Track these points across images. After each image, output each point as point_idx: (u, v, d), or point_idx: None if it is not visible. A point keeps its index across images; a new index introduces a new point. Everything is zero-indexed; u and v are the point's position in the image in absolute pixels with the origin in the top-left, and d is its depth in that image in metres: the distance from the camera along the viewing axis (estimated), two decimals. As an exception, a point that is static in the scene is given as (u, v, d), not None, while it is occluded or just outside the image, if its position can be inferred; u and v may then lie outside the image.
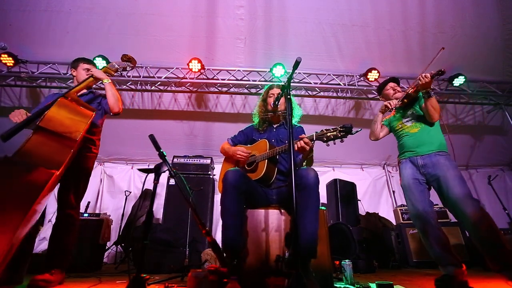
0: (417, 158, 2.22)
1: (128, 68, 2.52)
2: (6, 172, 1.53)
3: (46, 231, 4.11)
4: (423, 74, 2.10)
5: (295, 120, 2.22)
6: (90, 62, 2.45)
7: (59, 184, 2.10)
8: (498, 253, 1.81)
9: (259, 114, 2.25)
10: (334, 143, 1.65)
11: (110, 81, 2.28)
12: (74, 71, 2.41)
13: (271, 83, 2.54)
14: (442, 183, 2.04)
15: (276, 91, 2.22)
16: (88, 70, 2.35)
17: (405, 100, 2.35)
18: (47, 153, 1.71)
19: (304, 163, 1.98)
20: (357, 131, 1.63)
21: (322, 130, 1.70)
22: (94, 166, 2.41)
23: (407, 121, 2.38)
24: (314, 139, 1.72)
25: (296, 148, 1.71)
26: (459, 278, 1.87)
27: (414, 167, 2.23)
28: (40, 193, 1.50)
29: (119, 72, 2.51)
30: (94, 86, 2.42)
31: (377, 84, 4.34)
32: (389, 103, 2.37)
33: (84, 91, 2.37)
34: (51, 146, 1.75)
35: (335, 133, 1.63)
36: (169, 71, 4.22)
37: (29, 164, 1.59)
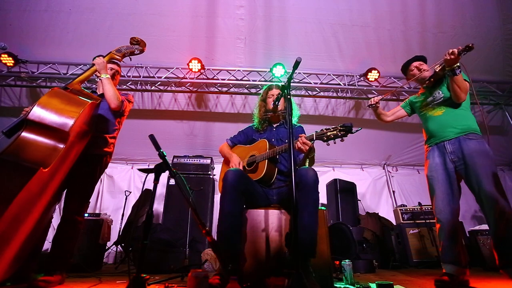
0: (445, 143, 2.04)
1: (136, 52, 2.32)
2: None
3: (46, 231, 4.11)
4: (450, 51, 1.91)
5: (294, 120, 2.22)
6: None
7: (67, 186, 2.05)
8: (508, 248, 1.77)
9: (258, 114, 2.25)
10: (335, 143, 1.65)
11: (108, 76, 2.16)
12: None
13: (270, 83, 2.54)
14: (471, 174, 1.90)
15: (275, 91, 2.22)
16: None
17: (431, 79, 2.18)
18: (35, 148, 1.59)
19: (307, 163, 1.98)
20: (357, 130, 1.63)
21: (322, 130, 1.70)
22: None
23: (431, 102, 2.20)
24: (314, 138, 1.72)
25: (296, 148, 1.72)
26: (460, 277, 1.85)
27: (442, 155, 2.05)
28: (19, 190, 1.39)
29: (129, 58, 2.38)
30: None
31: (377, 84, 4.38)
32: (371, 100, 2.33)
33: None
34: (40, 141, 1.61)
35: (335, 132, 1.63)
36: (169, 71, 4.22)
37: (11, 161, 1.49)
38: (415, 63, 2.37)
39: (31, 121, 1.62)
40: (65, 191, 2.08)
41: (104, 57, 2.23)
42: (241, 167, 2.00)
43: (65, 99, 1.79)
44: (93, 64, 2.17)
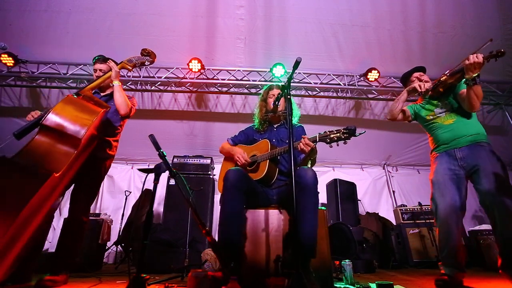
0: (455, 150, 2.04)
1: (146, 63, 2.40)
2: (2, 173, 1.46)
3: (46, 231, 4.11)
4: (475, 54, 1.83)
5: (294, 120, 2.22)
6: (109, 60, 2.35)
7: (73, 186, 2.09)
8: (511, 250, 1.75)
9: (259, 114, 2.25)
10: (338, 145, 1.65)
11: (120, 84, 2.24)
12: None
13: (271, 83, 2.54)
14: (482, 178, 1.88)
15: (276, 91, 2.22)
16: (99, 71, 2.30)
17: (440, 89, 2.13)
18: (48, 153, 1.65)
19: (309, 164, 1.98)
20: (360, 134, 1.63)
21: (325, 132, 1.70)
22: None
23: (440, 112, 2.18)
24: (317, 140, 1.72)
25: (298, 149, 1.72)
26: (459, 279, 1.88)
27: (451, 160, 2.04)
28: (33, 195, 1.42)
29: (138, 68, 2.46)
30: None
31: (377, 84, 4.38)
32: (420, 85, 2.19)
33: (108, 91, 2.34)
34: (53, 146, 1.68)
35: (338, 134, 1.63)
36: (169, 71, 4.22)
37: (27, 165, 1.54)
38: (416, 74, 2.35)
39: (46, 126, 1.67)
40: (71, 192, 2.11)
41: (117, 64, 2.30)
42: (247, 157, 2.00)
43: (79, 107, 1.86)
44: (107, 71, 2.23)
